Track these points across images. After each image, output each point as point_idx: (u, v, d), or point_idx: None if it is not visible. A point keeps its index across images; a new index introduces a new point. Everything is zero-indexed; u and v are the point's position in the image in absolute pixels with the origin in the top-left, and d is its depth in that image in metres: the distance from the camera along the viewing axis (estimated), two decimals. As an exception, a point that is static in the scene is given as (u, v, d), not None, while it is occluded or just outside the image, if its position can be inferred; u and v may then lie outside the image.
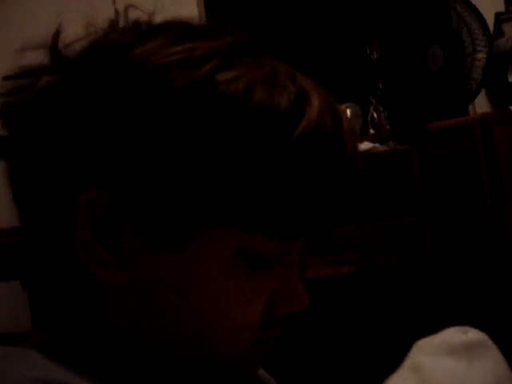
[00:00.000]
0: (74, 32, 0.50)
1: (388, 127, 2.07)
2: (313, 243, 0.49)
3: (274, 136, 0.42)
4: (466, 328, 0.50)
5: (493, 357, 0.49)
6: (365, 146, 1.78)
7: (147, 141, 0.42)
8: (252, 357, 0.49)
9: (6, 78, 0.47)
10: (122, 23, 0.50)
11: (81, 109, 0.43)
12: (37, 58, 0.48)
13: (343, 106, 2.22)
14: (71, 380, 0.42)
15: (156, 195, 0.42)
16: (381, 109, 2.16)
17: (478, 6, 1.94)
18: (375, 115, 2.20)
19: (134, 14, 0.50)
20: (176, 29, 0.48)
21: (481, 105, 2.12)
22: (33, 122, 0.45)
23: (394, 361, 0.56)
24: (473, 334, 0.50)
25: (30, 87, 0.46)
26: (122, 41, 0.45)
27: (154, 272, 0.45)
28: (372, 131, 2.13)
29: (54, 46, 0.47)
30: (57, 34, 0.48)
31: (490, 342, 0.50)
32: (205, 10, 2.92)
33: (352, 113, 2.21)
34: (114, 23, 0.49)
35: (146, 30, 0.48)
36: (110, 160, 0.42)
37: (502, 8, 2.15)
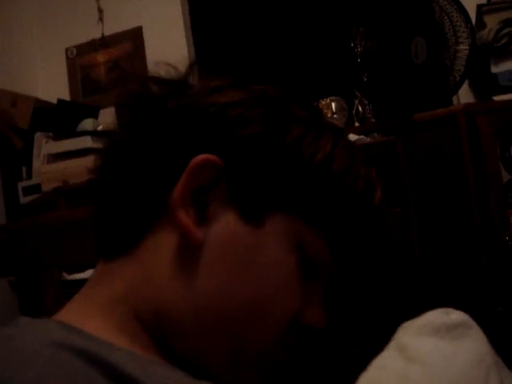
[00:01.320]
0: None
1: (373, 120, 2.08)
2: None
3: (343, 184, 0.56)
4: (449, 309, 0.51)
5: (475, 336, 0.50)
6: (350, 138, 1.79)
7: (265, 148, 0.54)
8: (266, 356, 0.56)
9: (156, 81, 0.59)
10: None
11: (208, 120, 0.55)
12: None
13: (328, 100, 2.23)
14: (93, 347, 0.46)
15: (257, 179, 0.54)
16: (365, 102, 2.17)
17: (460, -2, 1.96)
18: (360, 108, 2.21)
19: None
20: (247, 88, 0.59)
21: (464, 96, 2.14)
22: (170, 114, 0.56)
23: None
24: (455, 315, 0.51)
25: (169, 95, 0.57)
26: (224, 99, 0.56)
27: (231, 235, 0.53)
28: (357, 124, 2.14)
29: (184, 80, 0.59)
30: (192, 66, 0.60)
31: (472, 322, 0.51)
32: (189, 9, 2.91)
33: (337, 106, 2.22)
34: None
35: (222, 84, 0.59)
36: (230, 147, 0.54)
37: (483, 0, 2.17)
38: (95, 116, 2.65)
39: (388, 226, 0.62)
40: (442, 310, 0.52)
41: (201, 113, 0.55)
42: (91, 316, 0.53)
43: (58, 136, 2.42)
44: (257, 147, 0.54)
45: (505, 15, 2.01)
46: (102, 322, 0.53)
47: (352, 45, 2.07)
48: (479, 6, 2.10)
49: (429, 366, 0.48)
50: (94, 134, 2.35)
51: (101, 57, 2.98)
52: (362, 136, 1.81)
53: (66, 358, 0.43)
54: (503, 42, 1.97)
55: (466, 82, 2.06)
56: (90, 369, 0.43)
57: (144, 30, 2.90)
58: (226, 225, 0.53)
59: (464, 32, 1.94)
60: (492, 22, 2.02)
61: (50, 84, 3.03)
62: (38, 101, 2.71)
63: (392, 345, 0.53)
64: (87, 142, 2.29)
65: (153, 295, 0.53)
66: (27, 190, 2.51)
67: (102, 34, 2.96)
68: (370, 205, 0.58)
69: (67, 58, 3.06)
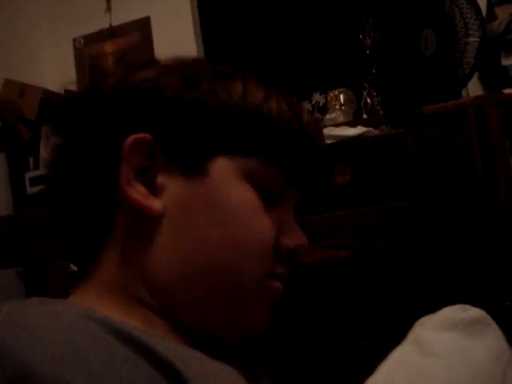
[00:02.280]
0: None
1: (381, 112, 2.07)
2: (304, 199, 0.64)
3: (264, 113, 0.59)
4: (466, 306, 0.51)
5: (493, 333, 0.50)
6: (358, 130, 1.78)
7: (183, 105, 0.57)
8: (265, 291, 0.58)
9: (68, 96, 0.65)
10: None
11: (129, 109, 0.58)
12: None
13: (336, 92, 2.22)
14: (111, 315, 0.48)
15: (185, 135, 0.57)
16: (374, 93, 2.16)
17: (471, -10, 1.94)
18: (368, 100, 2.20)
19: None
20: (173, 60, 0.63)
21: (474, 88, 2.13)
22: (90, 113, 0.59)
23: (392, 344, 0.56)
24: (473, 312, 0.51)
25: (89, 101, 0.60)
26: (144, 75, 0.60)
27: (185, 195, 0.57)
28: (365, 116, 2.14)
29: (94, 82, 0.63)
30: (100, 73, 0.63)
31: (490, 320, 0.51)
32: (198, 8, 2.90)
33: (345, 98, 2.21)
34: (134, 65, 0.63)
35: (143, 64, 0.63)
36: (153, 118, 0.57)
37: (494, -9, 2.15)
38: (102, 106, 2.65)
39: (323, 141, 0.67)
40: (459, 307, 0.52)
41: (118, 97, 0.59)
42: (102, 303, 0.56)
43: (66, 126, 2.41)
44: (176, 108, 0.57)
45: (516, 7, 2.00)
46: (113, 306, 0.55)
47: (361, 36, 2.06)
48: (490, -2, 2.09)
49: (446, 359, 0.48)
50: (101, 124, 2.35)
51: (108, 47, 2.98)
52: (370, 128, 1.81)
53: (92, 325, 0.45)
54: (514, 34, 1.96)
55: (476, 74, 2.04)
56: (123, 346, 0.44)
57: (152, 20, 2.90)
58: (177, 187, 0.56)
59: (474, 24, 1.92)
60: (503, 13, 2.01)
61: (58, 74, 3.03)
62: (45, 91, 2.70)
63: (409, 339, 0.53)
64: (94, 132, 2.29)
65: (141, 275, 0.56)
66: (34, 181, 2.51)
67: (110, 24, 2.95)
68: (298, 125, 0.61)
69: (75, 48, 3.05)
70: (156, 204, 0.56)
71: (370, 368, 0.56)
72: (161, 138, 0.56)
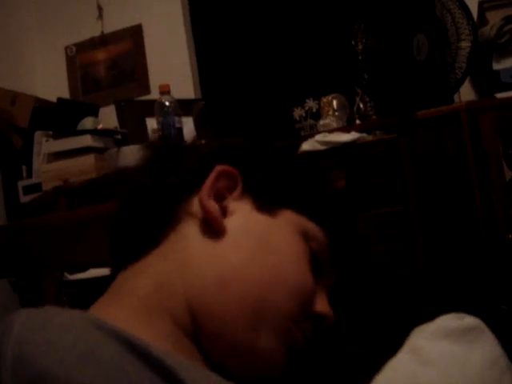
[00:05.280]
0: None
1: (374, 117, 2.08)
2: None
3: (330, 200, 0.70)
4: (462, 314, 0.51)
5: (488, 341, 0.50)
6: (352, 136, 1.78)
7: (280, 169, 0.68)
8: (288, 334, 0.62)
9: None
10: None
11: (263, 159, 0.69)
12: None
13: (329, 97, 2.22)
14: (120, 324, 0.51)
15: (274, 182, 0.66)
16: (367, 99, 2.16)
17: (462, -5, 1.95)
18: (361, 105, 2.20)
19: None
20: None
21: (466, 93, 2.13)
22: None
23: (386, 350, 0.56)
24: (469, 320, 0.51)
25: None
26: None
27: (249, 226, 0.63)
28: (358, 121, 2.14)
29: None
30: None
31: (485, 327, 0.51)
32: (189, 6, 2.91)
33: (338, 104, 2.21)
34: None
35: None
36: (247, 159, 0.67)
37: (485, -4, 2.16)
38: (95, 114, 2.65)
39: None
40: (454, 315, 0.52)
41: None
42: (122, 315, 0.58)
43: (58, 134, 2.41)
44: (266, 164, 0.67)
45: (507, 12, 2.00)
46: (132, 320, 0.57)
47: (353, 42, 2.06)
48: (481, 3, 2.10)
49: (442, 368, 0.48)
50: (94, 132, 2.34)
51: (100, 55, 2.98)
52: (363, 134, 1.80)
53: (99, 334, 0.49)
54: (505, 38, 1.96)
55: (468, 79, 2.05)
56: (124, 352, 0.47)
57: (144, 27, 2.90)
58: (244, 215, 0.63)
59: (466, 29, 1.93)
60: (494, 18, 2.01)
61: (50, 82, 3.02)
62: (37, 99, 2.70)
63: (405, 348, 0.53)
64: (87, 140, 2.28)
65: (184, 282, 0.60)
66: (27, 189, 2.50)
67: (102, 31, 2.95)
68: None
69: (67, 56, 3.05)
70: (221, 220, 0.62)
71: (365, 375, 0.55)
72: (248, 171, 0.65)
